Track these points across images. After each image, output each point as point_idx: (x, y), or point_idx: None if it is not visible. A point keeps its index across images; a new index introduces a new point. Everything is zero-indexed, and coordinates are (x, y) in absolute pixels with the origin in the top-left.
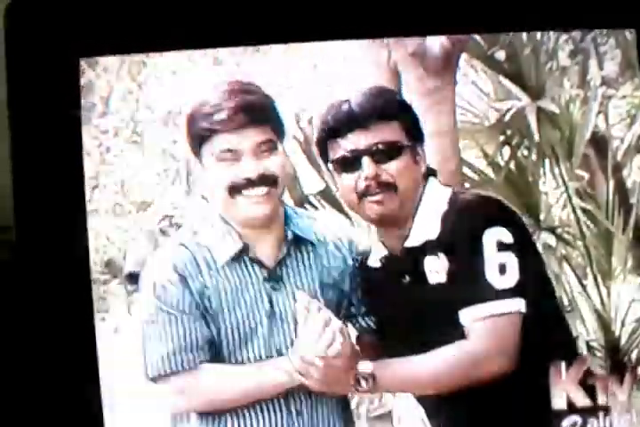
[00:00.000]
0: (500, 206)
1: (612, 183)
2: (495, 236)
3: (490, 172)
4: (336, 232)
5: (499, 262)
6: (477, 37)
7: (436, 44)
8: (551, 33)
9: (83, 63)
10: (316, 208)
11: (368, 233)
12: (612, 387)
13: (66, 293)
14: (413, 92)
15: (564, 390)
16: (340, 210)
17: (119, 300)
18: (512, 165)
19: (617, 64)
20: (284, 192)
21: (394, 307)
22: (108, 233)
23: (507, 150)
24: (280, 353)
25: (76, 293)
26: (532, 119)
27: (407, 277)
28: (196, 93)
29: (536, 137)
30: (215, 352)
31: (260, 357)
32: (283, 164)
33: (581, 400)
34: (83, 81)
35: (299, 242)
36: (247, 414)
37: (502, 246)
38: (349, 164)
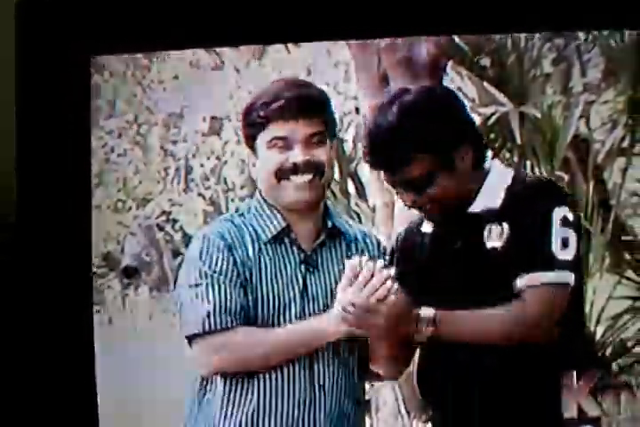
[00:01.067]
0: (563, 189)
1: (591, 184)
2: (562, 212)
3: None
4: (364, 231)
5: (562, 236)
6: (463, 45)
7: (423, 51)
8: (536, 41)
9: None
10: None
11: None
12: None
13: (65, 286)
14: None
15: (575, 399)
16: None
17: (114, 292)
18: None
19: (600, 71)
20: (329, 183)
21: (444, 268)
22: (108, 228)
23: (489, 152)
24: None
25: (75, 286)
26: (515, 123)
27: (460, 241)
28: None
29: (518, 140)
30: (249, 322)
31: (284, 324)
32: (330, 156)
33: (593, 410)
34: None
35: (335, 233)
36: (272, 386)
37: (566, 223)
38: None
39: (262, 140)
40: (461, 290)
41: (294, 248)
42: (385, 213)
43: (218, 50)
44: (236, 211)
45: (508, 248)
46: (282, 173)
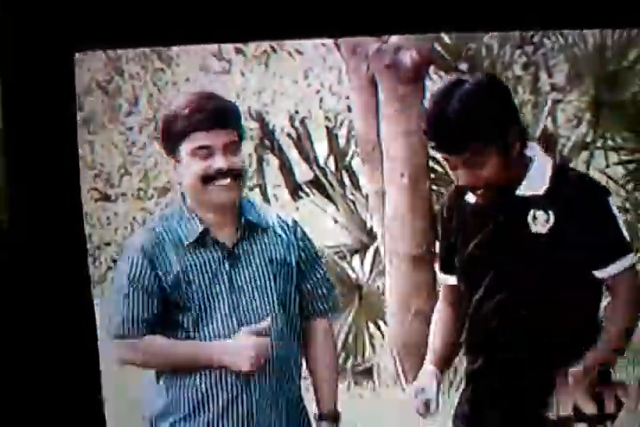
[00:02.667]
0: None
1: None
2: (612, 201)
3: None
4: (280, 217)
5: (622, 222)
6: (443, 52)
7: (407, 57)
8: (507, 48)
9: (111, 70)
10: (307, 194)
11: (350, 215)
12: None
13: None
14: (388, 98)
15: (571, 397)
16: (327, 196)
17: None
18: None
19: (565, 75)
20: (243, 185)
21: (483, 238)
22: (134, 214)
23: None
24: (241, 324)
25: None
26: None
27: (503, 216)
28: (173, 101)
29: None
30: (167, 326)
31: (224, 328)
32: (243, 162)
33: (589, 408)
34: (111, 86)
35: (251, 227)
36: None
37: (617, 209)
38: None
39: (186, 148)
40: (498, 266)
41: (217, 247)
42: (376, 200)
43: (227, 56)
44: (160, 218)
45: (558, 236)
46: (207, 178)
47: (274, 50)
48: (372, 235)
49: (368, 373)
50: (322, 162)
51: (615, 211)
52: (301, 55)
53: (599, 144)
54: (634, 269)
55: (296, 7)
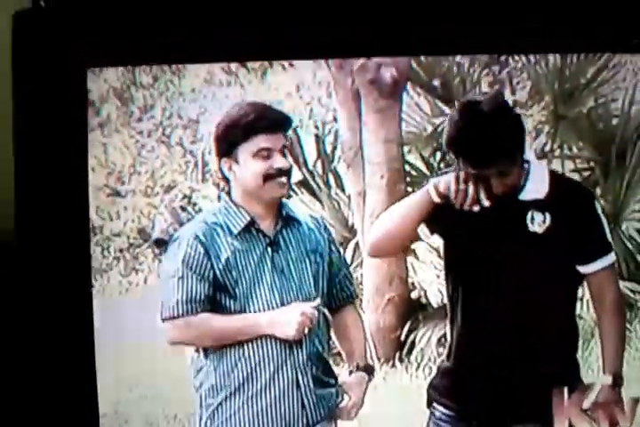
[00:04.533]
0: None
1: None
2: (599, 204)
3: (425, 170)
4: (312, 215)
5: (605, 222)
6: (419, 70)
7: (387, 73)
8: (476, 67)
9: (126, 80)
10: (296, 193)
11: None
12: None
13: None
14: (370, 110)
15: (567, 415)
16: (314, 195)
17: (148, 259)
18: (442, 165)
19: (527, 92)
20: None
21: (484, 236)
22: (141, 208)
23: (438, 154)
24: (282, 304)
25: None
26: None
27: (504, 219)
28: (230, 108)
29: None
30: (217, 307)
31: (268, 308)
32: (290, 162)
33: (583, 425)
34: (125, 95)
35: (289, 220)
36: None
37: (602, 212)
38: None
39: (247, 149)
40: (495, 262)
41: (260, 235)
42: (357, 200)
43: (233, 69)
44: (210, 212)
45: (552, 235)
46: (268, 177)
47: (270, 64)
48: (352, 231)
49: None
50: (310, 165)
51: (600, 213)
52: (294, 69)
53: (557, 153)
54: (614, 266)
55: (294, 32)
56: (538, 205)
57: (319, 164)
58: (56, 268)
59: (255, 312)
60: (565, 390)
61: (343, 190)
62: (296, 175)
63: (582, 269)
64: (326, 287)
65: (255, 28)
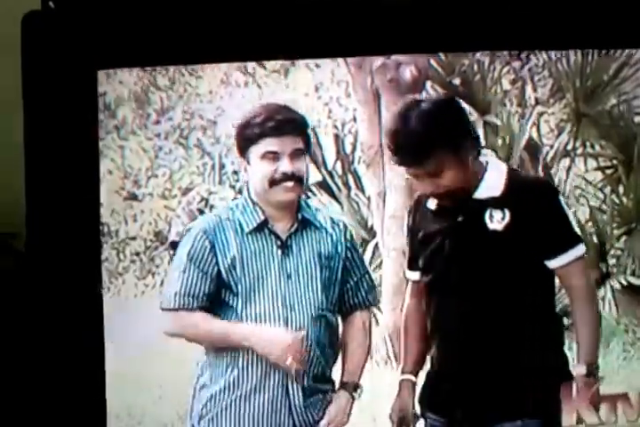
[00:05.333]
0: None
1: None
2: (562, 197)
3: None
4: (333, 219)
5: (570, 215)
6: (439, 68)
7: (407, 72)
8: (497, 64)
9: (142, 82)
10: (315, 194)
11: (354, 213)
12: (620, 406)
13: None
14: (389, 109)
15: (574, 407)
16: (333, 196)
17: (164, 261)
18: None
19: (548, 89)
20: (305, 188)
21: (445, 240)
22: (158, 211)
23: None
24: (285, 307)
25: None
26: (480, 130)
27: (462, 216)
28: (246, 109)
29: (482, 143)
30: (227, 306)
31: (271, 309)
32: (307, 168)
33: (592, 419)
34: (142, 97)
35: (305, 223)
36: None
37: (566, 205)
38: None
39: (255, 152)
40: (459, 262)
41: (272, 236)
42: (377, 201)
43: (250, 70)
44: (226, 207)
45: (513, 232)
46: (273, 180)
47: (293, 64)
48: (372, 232)
49: None
50: (329, 166)
51: (565, 207)
52: (318, 68)
53: (579, 152)
54: (583, 258)
55: (312, 30)
56: (495, 202)
57: (338, 164)
58: (65, 269)
59: (258, 314)
60: (573, 382)
61: (363, 191)
62: (315, 176)
63: (549, 263)
64: (337, 292)
65: (271, 27)
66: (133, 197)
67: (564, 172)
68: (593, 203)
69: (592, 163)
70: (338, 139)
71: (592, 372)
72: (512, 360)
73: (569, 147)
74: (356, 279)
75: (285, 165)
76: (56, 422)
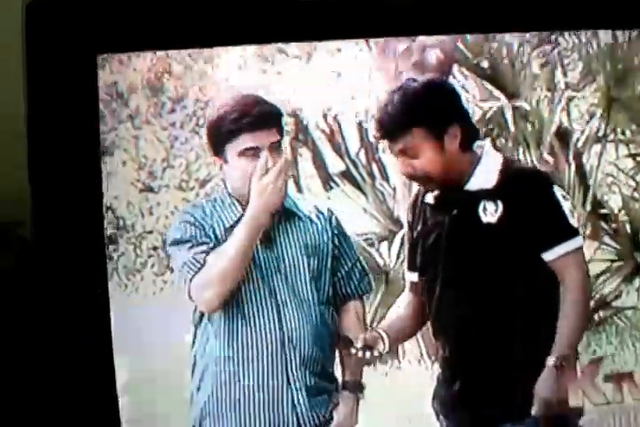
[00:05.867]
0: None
1: (573, 167)
2: (558, 190)
3: None
4: (317, 208)
5: (567, 208)
6: (466, 51)
7: (432, 56)
8: (525, 47)
9: (157, 70)
10: (338, 185)
11: (381, 203)
12: (627, 385)
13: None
14: None
15: (579, 387)
16: (357, 186)
17: None
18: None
19: (578, 73)
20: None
21: (441, 234)
22: (175, 203)
23: (488, 140)
24: (275, 301)
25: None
26: (509, 115)
27: (456, 210)
28: (215, 100)
29: (512, 129)
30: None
31: (259, 304)
32: (285, 158)
33: (598, 399)
34: (157, 85)
35: (288, 214)
36: (244, 341)
37: (563, 197)
38: None
39: (233, 149)
40: (455, 257)
41: None
42: (403, 191)
43: (269, 56)
44: (207, 198)
45: (507, 224)
46: (254, 177)
47: (314, 49)
48: (398, 223)
49: (393, 352)
50: (353, 155)
51: (560, 199)
52: (340, 53)
53: (610, 138)
54: (581, 250)
55: (332, 11)
56: (488, 194)
57: (362, 153)
58: (71, 258)
59: (246, 310)
60: (577, 362)
61: (388, 181)
62: (337, 165)
63: (544, 255)
64: (328, 283)
65: (291, 7)
66: (149, 188)
67: (596, 158)
68: (625, 191)
69: (623, 150)
70: (361, 126)
71: (562, 364)
72: (515, 355)
73: (600, 133)
74: (347, 268)
75: (267, 160)
76: (67, 420)
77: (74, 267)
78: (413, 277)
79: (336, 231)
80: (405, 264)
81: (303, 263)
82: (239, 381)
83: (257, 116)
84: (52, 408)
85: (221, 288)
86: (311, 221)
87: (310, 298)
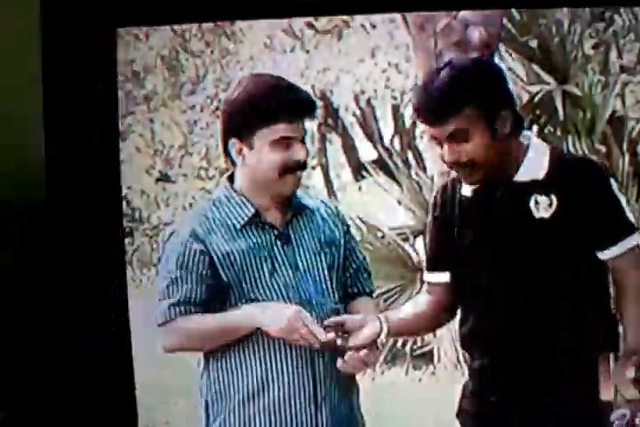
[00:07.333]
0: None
1: (627, 157)
2: (614, 182)
3: None
4: (325, 202)
5: (624, 203)
6: (513, 29)
7: (475, 34)
8: (577, 25)
9: (175, 47)
10: (370, 174)
11: (415, 193)
12: None
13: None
14: None
15: (612, 382)
16: (391, 176)
17: None
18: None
19: (635, 55)
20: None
21: (489, 236)
22: (194, 194)
23: (535, 128)
24: (295, 298)
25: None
26: (558, 101)
27: (507, 209)
28: (247, 80)
29: (561, 116)
30: (229, 305)
31: (274, 294)
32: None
33: (630, 393)
34: (174, 64)
35: (301, 209)
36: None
37: (619, 190)
38: None
39: (266, 136)
40: (503, 257)
41: (267, 228)
42: (442, 181)
43: (297, 32)
44: (210, 203)
45: (562, 220)
46: (285, 169)
47: (347, 24)
48: None
49: (427, 356)
50: (387, 142)
51: (617, 192)
52: (375, 30)
53: None
54: (637, 250)
55: None
56: (540, 187)
57: (397, 140)
58: (87, 256)
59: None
60: (611, 356)
61: (425, 170)
62: (369, 153)
63: (600, 255)
64: (339, 281)
65: None
66: (166, 178)
67: None
68: None
69: None
70: (397, 110)
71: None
72: (572, 366)
73: None
74: (355, 266)
75: (299, 152)
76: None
77: (89, 260)
78: (440, 277)
79: (345, 229)
80: (425, 265)
81: (319, 257)
82: (260, 395)
83: (299, 105)
84: (52, 408)
85: (185, 346)
86: (321, 215)
87: (331, 295)
